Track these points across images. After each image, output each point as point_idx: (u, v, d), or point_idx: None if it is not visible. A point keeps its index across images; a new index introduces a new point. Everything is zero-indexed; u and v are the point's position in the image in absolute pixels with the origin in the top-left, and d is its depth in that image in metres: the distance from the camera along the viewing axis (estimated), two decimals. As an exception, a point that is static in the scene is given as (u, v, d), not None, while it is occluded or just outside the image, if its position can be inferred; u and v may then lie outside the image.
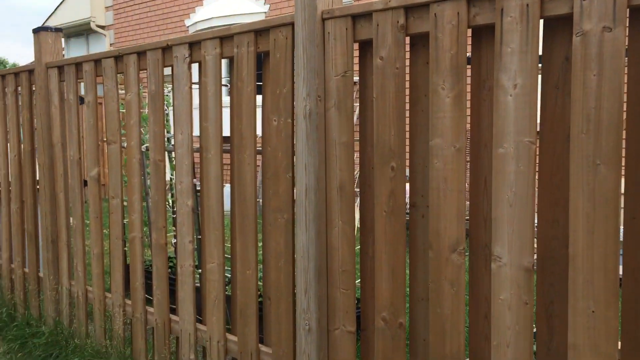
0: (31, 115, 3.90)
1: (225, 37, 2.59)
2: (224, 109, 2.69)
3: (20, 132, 4.01)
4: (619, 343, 1.67)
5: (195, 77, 2.89)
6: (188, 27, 11.80)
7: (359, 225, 2.25)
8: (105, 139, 3.42)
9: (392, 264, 2.06)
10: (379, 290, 2.10)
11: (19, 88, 4.00)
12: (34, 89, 3.83)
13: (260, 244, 2.62)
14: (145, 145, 3.83)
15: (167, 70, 2.96)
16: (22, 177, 4.04)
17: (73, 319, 3.59)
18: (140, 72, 3.06)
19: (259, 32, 2.45)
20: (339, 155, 2.19)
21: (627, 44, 1.60)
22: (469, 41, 1.85)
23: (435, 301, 1.94)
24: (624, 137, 1.57)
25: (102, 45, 13.93)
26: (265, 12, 10.47)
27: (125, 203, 3.26)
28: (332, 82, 2.17)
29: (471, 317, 1.98)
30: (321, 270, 2.26)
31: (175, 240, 3.94)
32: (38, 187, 3.83)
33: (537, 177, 1.74)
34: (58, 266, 3.70)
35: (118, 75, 3.19)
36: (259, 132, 2.66)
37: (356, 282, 2.26)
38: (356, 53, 2.16)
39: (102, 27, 13.79)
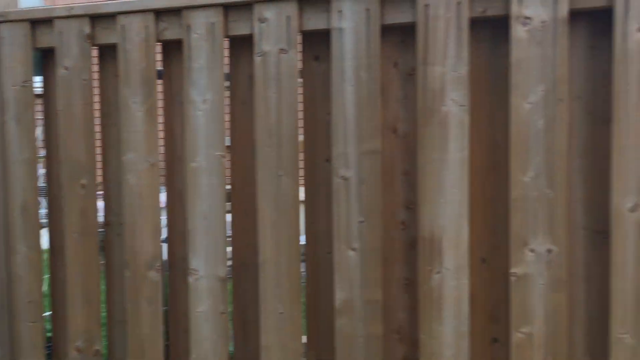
0: None
1: None
2: None
3: None
4: (304, 338, 1.82)
5: None
6: None
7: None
8: None
9: (85, 287, 1.93)
10: (73, 317, 1.94)
11: None
12: None
13: None
14: None
15: None
16: None
17: None
18: None
19: None
20: (20, 174, 1.97)
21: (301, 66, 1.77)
22: (160, 55, 1.85)
23: (134, 321, 1.87)
24: (300, 150, 1.73)
25: None
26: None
27: None
28: (9, 92, 1.95)
29: (172, 333, 1.96)
30: (2, 302, 2.00)
31: None
32: None
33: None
34: None
35: None
36: None
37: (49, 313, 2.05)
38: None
39: None
